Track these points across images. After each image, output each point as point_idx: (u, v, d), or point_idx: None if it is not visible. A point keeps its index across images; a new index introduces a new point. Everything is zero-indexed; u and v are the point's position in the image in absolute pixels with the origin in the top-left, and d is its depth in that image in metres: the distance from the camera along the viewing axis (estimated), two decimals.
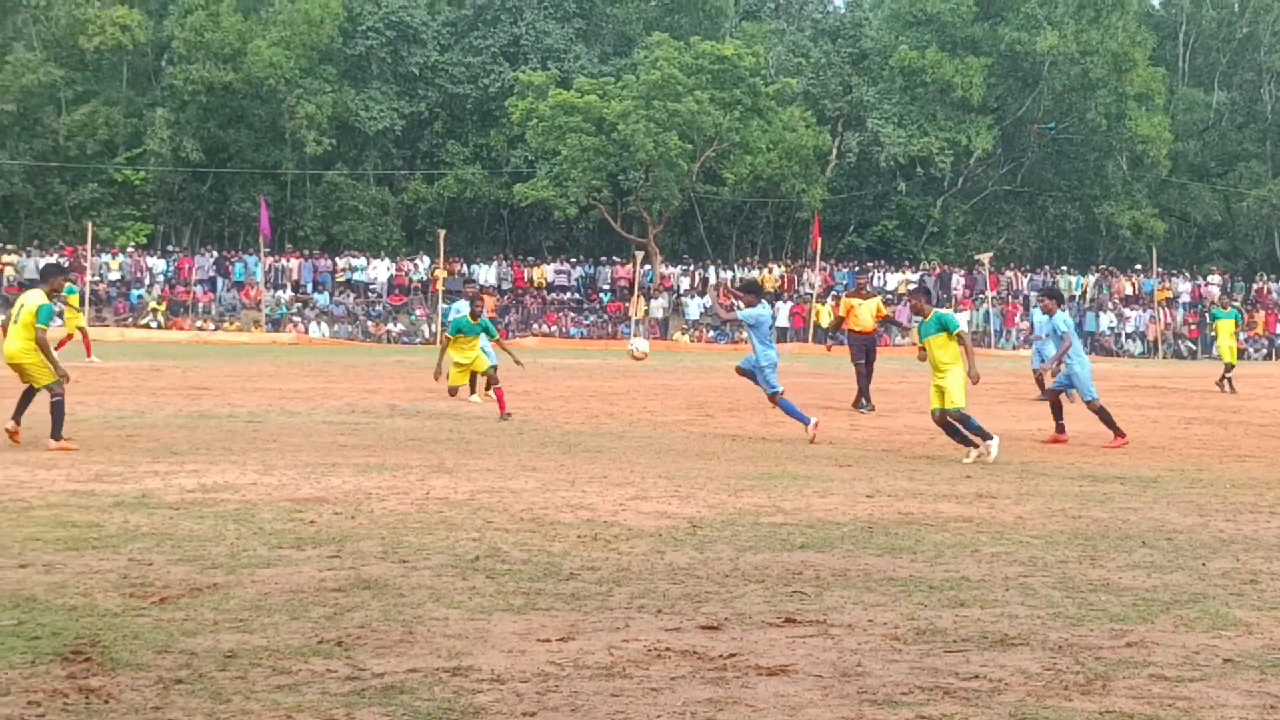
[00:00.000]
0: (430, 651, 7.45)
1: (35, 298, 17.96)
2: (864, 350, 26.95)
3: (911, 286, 34.13)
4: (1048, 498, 14.09)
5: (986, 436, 18.00)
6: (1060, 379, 22.20)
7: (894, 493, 14.17)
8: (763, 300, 21.32)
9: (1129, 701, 6.78)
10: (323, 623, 8.05)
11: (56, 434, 17.05)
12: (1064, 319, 21.65)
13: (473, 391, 26.44)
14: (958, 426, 18.16)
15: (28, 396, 17.81)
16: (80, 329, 37.31)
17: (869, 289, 27.45)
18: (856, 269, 64.81)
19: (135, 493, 13.03)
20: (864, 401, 26.34)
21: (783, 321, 67.13)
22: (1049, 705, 6.70)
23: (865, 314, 27.58)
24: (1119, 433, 20.82)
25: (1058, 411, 21.69)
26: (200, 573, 9.42)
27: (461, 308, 27.36)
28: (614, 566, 9.93)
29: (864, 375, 26.51)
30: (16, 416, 17.59)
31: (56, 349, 32.37)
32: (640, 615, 8.42)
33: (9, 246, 69.74)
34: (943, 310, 19.33)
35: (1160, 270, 73.79)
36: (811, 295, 67.36)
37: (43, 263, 64.36)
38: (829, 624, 8.29)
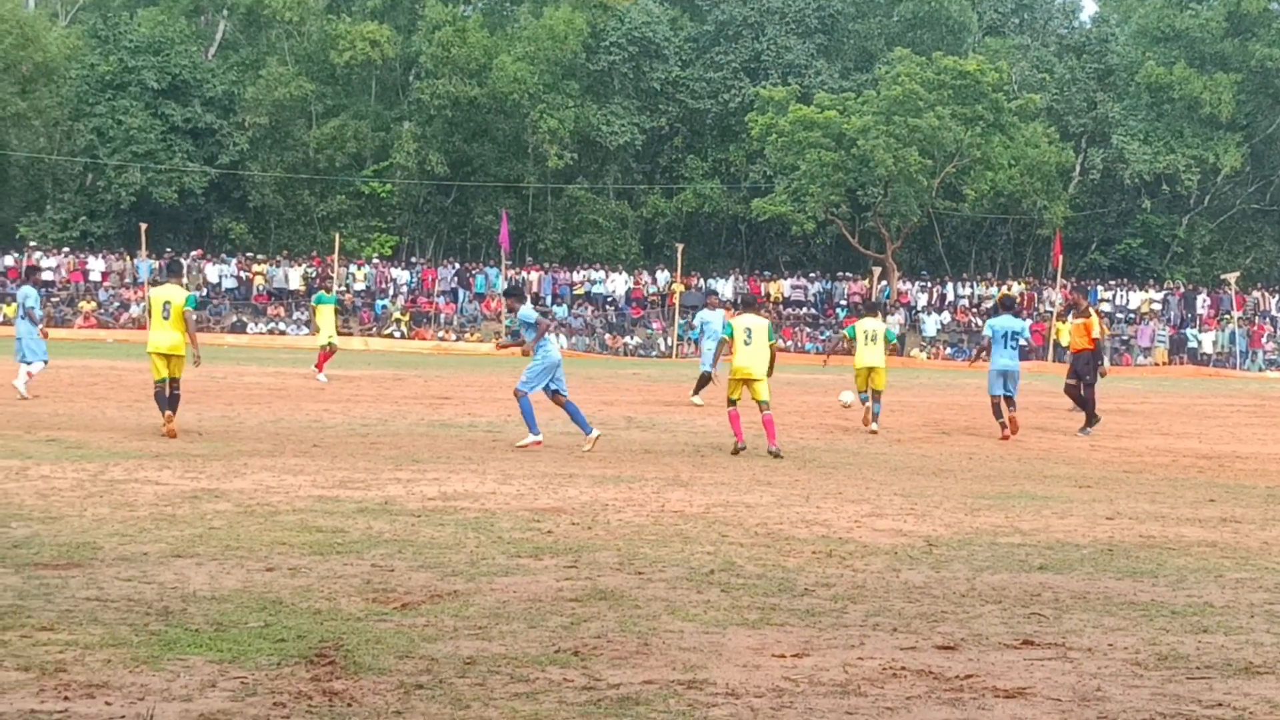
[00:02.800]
0: (665, 663, 7.48)
1: (180, 292, 19.57)
2: (1073, 370, 26.15)
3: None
4: None
5: None
6: None
7: (1135, 515, 13.90)
8: (529, 300, 20.90)
9: None
10: (560, 632, 8.13)
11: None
12: None
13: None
14: None
15: (172, 393, 19.31)
16: (331, 344, 34.71)
17: (1083, 307, 26.81)
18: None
19: (378, 499, 13.28)
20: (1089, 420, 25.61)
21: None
22: None
23: (1071, 334, 27.07)
24: None
25: None
26: (441, 580, 9.57)
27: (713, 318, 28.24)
28: (849, 583, 9.88)
29: (1079, 394, 25.72)
30: (169, 409, 19.10)
31: (319, 365, 33.02)
32: (875, 633, 8.37)
33: (259, 256, 71.60)
34: None
35: None
36: (1052, 313, 66.31)
37: (293, 273, 66.28)
38: (1068, 647, 8.17)
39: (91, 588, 8.95)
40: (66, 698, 6.55)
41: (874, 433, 23.92)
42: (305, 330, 63.77)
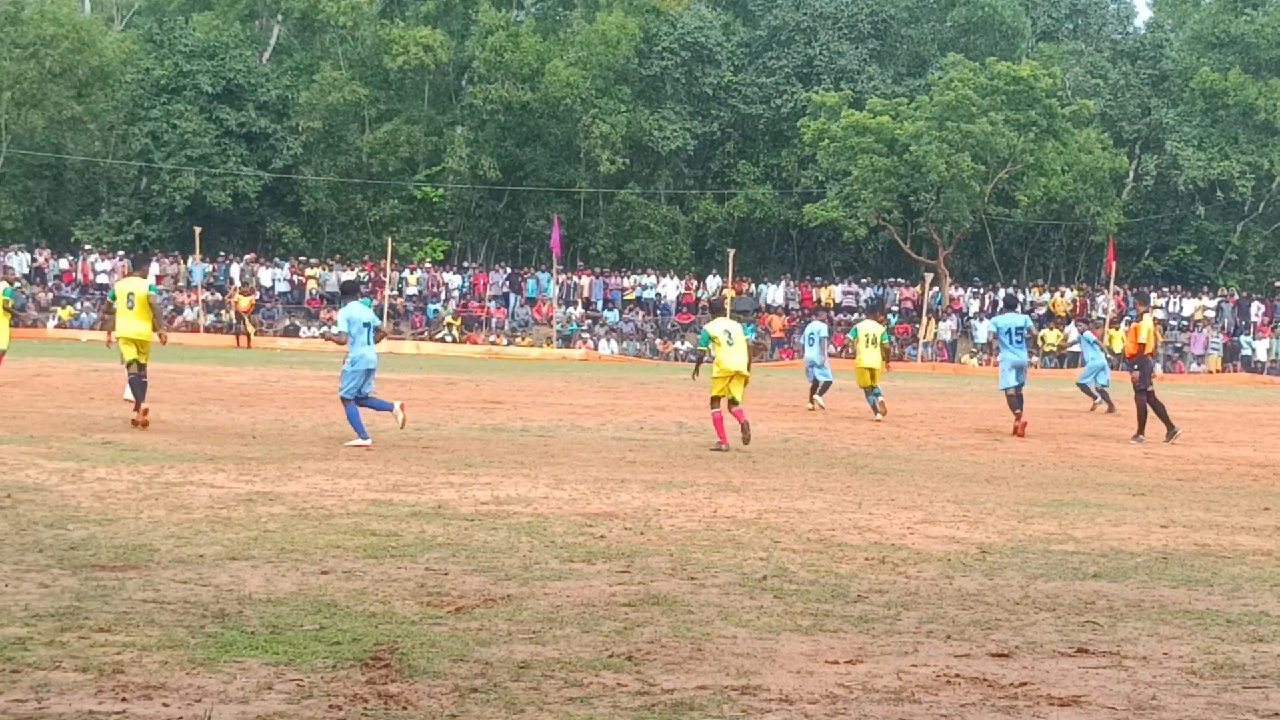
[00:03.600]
0: (719, 669, 7.49)
1: (142, 283, 21.75)
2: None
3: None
4: None
5: None
6: None
7: (1189, 523, 13.83)
8: (364, 298, 20.92)
9: None
10: (613, 637, 8.15)
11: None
12: None
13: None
14: None
15: (141, 382, 21.03)
16: None
17: (1138, 311, 26.79)
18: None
19: (431, 503, 13.33)
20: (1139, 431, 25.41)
21: (1075, 346, 65.86)
22: None
23: (1123, 338, 27.25)
24: None
25: None
26: (494, 583, 9.60)
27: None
28: (902, 590, 9.87)
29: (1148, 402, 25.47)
30: (142, 399, 20.75)
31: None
32: (929, 640, 8.36)
33: (312, 260, 71.92)
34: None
35: None
36: (1104, 320, 66.02)
37: (344, 277, 66.58)
38: (1123, 655, 8.14)
39: (148, 589, 9.01)
40: (124, 699, 6.60)
41: (880, 420, 26.90)
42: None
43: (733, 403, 20.90)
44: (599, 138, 73.54)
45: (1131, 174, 78.05)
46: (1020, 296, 71.51)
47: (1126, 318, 66.48)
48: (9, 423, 20.06)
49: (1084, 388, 34.26)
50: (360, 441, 18.99)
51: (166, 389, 28.63)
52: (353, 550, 10.65)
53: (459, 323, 67.82)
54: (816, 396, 31.04)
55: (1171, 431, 24.89)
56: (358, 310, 20.06)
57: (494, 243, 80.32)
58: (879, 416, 27.59)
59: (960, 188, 69.81)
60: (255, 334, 60.26)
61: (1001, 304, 28.38)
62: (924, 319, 68.52)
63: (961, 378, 54.97)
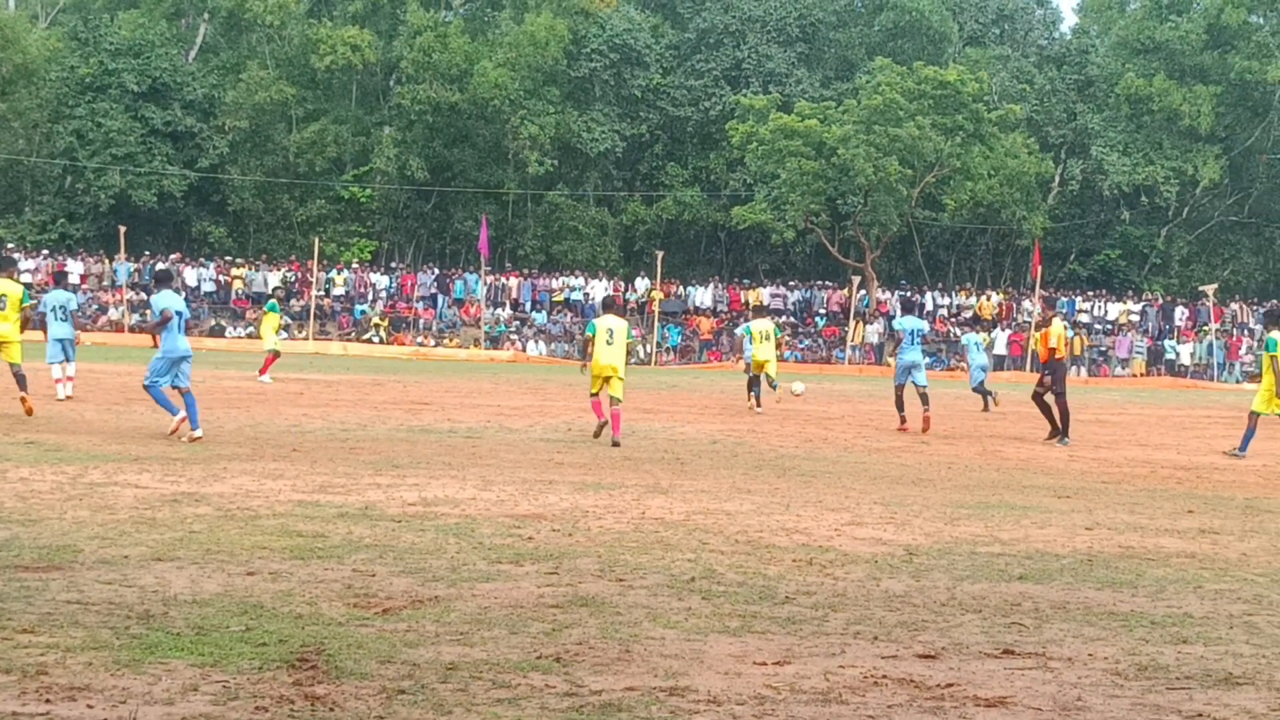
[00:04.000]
0: (647, 670, 7.49)
1: (16, 287, 23.07)
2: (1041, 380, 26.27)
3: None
4: (1273, 535, 13.76)
5: None
6: None
7: (1114, 526, 13.93)
8: (174, 289, 21.19)
9: None
10: (541, 638, 8.14)
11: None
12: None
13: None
14: None
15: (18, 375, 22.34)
16: (276, 350, 37.08)
17: (1046, 316, 27.54)
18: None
19: (358, 504, 13.28)
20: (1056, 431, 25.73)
21: (1000, 349, 66.46)
22: None
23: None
24: None
25: None
26: (422, 585, 9.57)
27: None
28: (830, 592, 9.90)
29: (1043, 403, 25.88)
30: (24, 389, 21.87)
31: (263, 369, 34.57)
32: (856, 641, 8.39)
33: (239, 260, 71.52)
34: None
35: None
36: (1030, 323, 66.49)
37: (272, 277, 66.29)
38: (1048, 657, 8.19)
39: (72, 590, 8.93)
40: (48, 700, 6.55)
41: (759, 413, 29.41)
42: (284, 335, 63.72)
43: (615, 400, 21.88)
44: (527, 139, 73.52)
45: (1057, 179, 78.67)
46: (939, 300, 72.06)
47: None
48: None
49: (979, 389, 35.37)
50: (179, 420, 19.42)
51: (91, 389, 28.43)
52: (279, 551, 10.59)
53: (386, 324, 67.57)
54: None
55: (1063, 438, 25.10)
56: (171, 299, 20.11)
57: (422, 243, 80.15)
58: (758, 410, 30.78)
59: (887, 191, 70.14)
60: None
61: (899, 308, 29.87)
62: (851, 322, 68.77)
63: (888, 380, 55.12)
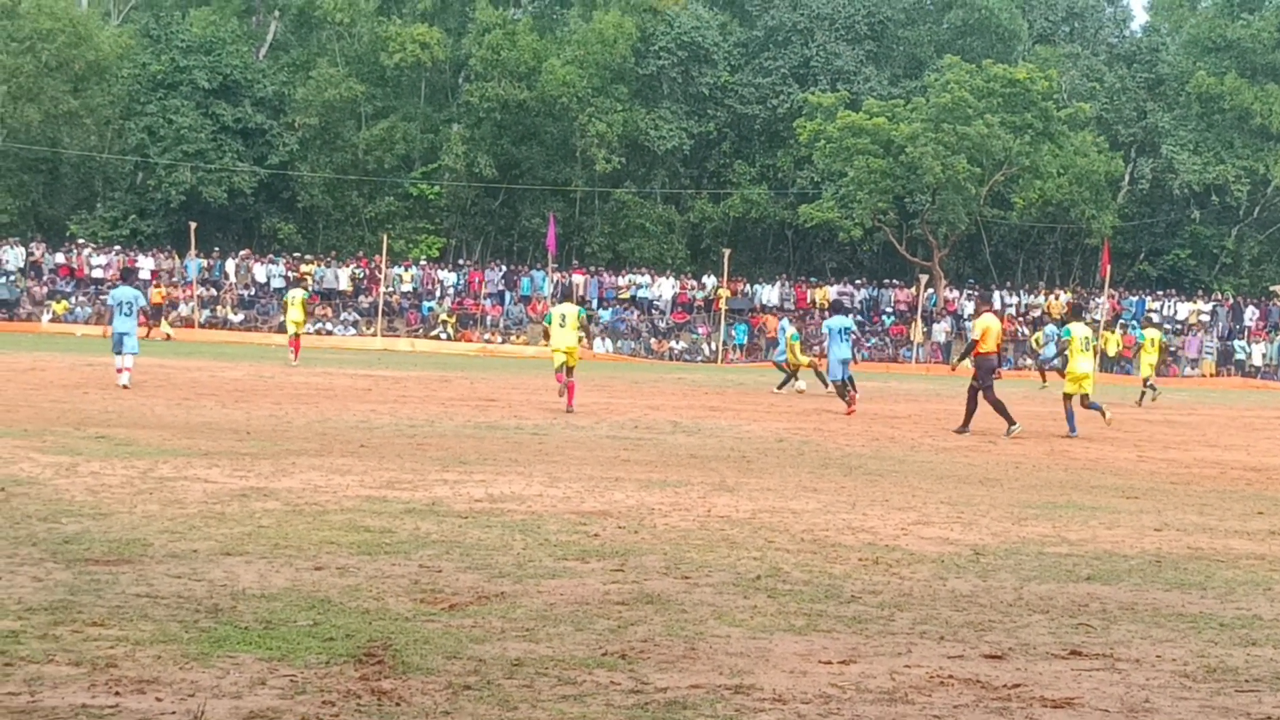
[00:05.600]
0: (712, 668, 7.49)
1: None
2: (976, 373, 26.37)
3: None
4: None
5: None
6: None
7: (1183, 527, 13.83)
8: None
9: None
10: (607, 635, 8.15)
11: None
12: None
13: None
14: None
15: None
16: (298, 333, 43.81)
17: (980, 310, 28.06)
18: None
19: (425, 500, 13.32)
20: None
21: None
22: None
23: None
24: None
25: None
26: (488, 581, 9.59)
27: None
28: (896, 591, 9.87)
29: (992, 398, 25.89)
30: None
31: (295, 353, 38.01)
32: (923, 641, 8.36)
33: (308, 256, 71.81)
34: None
35: None
36: (1099, 322, 66.07)
37: (341, 274, 66.60)
38: (1116, 658, 8.14)
39: (141, 584, 9.00)
40: (117, 693, 6.60)
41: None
42: (353, 330, 64.05)
43: (569, 372, 26.91)
44: (595, 136, 73.56)
45: (1127, 177, 78.17)
46: (1007, 299, 71.72)
47: (1120, 321, 66.77)
48: (3, 416, 20.05)
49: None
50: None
51: (160, 384, 28.65)
52: (346, 546, 10.64)
53: (454, 320, 67.76)
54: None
55: (1010, 427, 25.20)
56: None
57: (489, 240, 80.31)
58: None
59: (956, 189, 69.86)
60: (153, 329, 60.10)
61: (830, 309, 34.93)
62: (918, 320, 68.53)
63: (959, 380, 54.86)
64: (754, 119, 77.97)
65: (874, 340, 69.67)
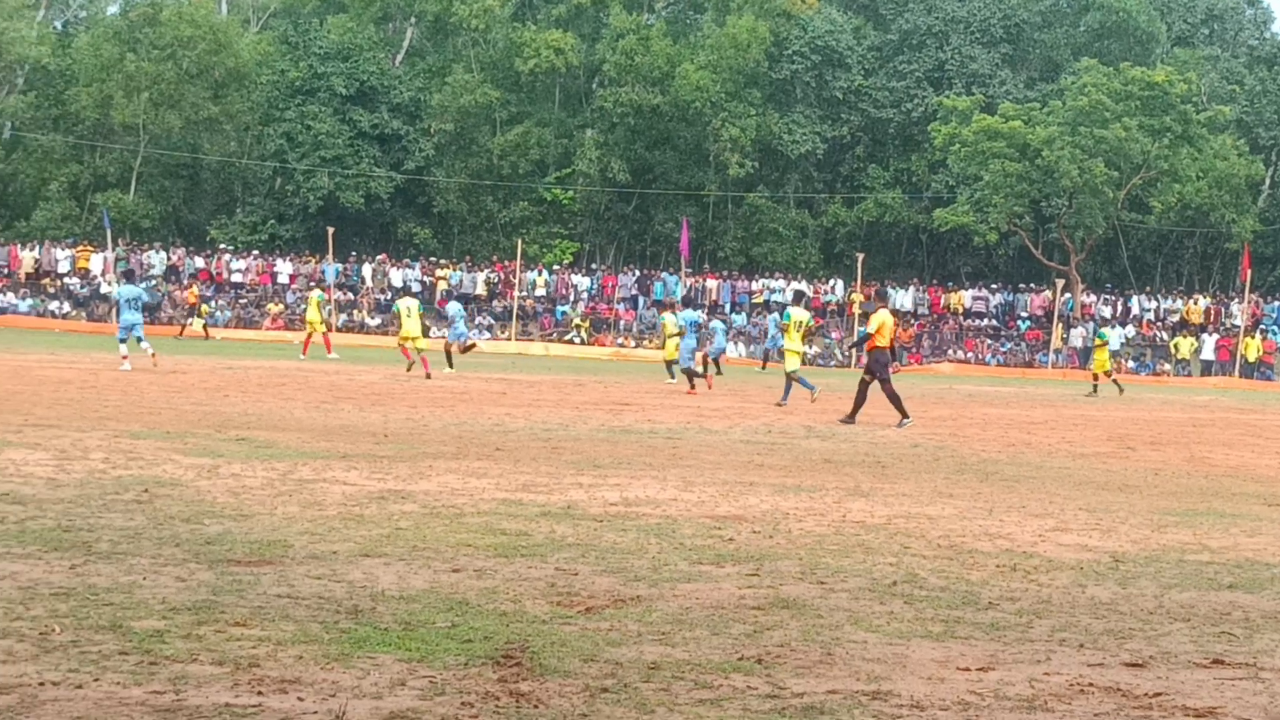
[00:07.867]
0: (849, 674, 7.46)
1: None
2: (868, 367, 27.42)
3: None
4: None
5: None
6: None
7: None
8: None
9: None
10: (743, 639, 8.14)
11: None
12: None
13: None
14: None
15: None
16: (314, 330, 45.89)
17: (877, 306, 28.80)
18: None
19: (561, 503, 13.37)
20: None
21: (1208, 354, 65.25)
22: None
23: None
24: None
25: None
26: (624, 584, 9.61)
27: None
28: (1034, 598, 9.78)
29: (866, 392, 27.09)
30: None
31: (328, 348, 43.75)
32: (1062, 649, 8.28)
33: (443, 261, 72.43)
34: None
35: None
36: (1239, 328, 65.15)
37: (477, 278, 67.06)
38: (1259, 667, 8.02)
39: (283, 585, 9.11)
40: (260, 692, 6.69)
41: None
42: (488, 334, 64.42)
43: (418, 351, 34.92)
44: (728, 141, 73.58)
45: (1268, 181, 76.97)
46: (1145, 303, 70.91)
47: (1261, 326, 65.78)
48: (146, 418, 20.38)
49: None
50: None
51: (300, 387, 29.02)
52: (484, 549, 10.71)
53: (587, 324, 68.05)
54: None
55: (902, 420, 26.05)
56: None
57: (623, 245, 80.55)
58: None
59: (1093, 194, 69.15)
60: (187, 328, 60.84)
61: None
62: (1055, 325, 67.88)
63: (1086, 385, 54.26)
64: (888, 123, 77.66)
65: (1009, 345, 69.09)
